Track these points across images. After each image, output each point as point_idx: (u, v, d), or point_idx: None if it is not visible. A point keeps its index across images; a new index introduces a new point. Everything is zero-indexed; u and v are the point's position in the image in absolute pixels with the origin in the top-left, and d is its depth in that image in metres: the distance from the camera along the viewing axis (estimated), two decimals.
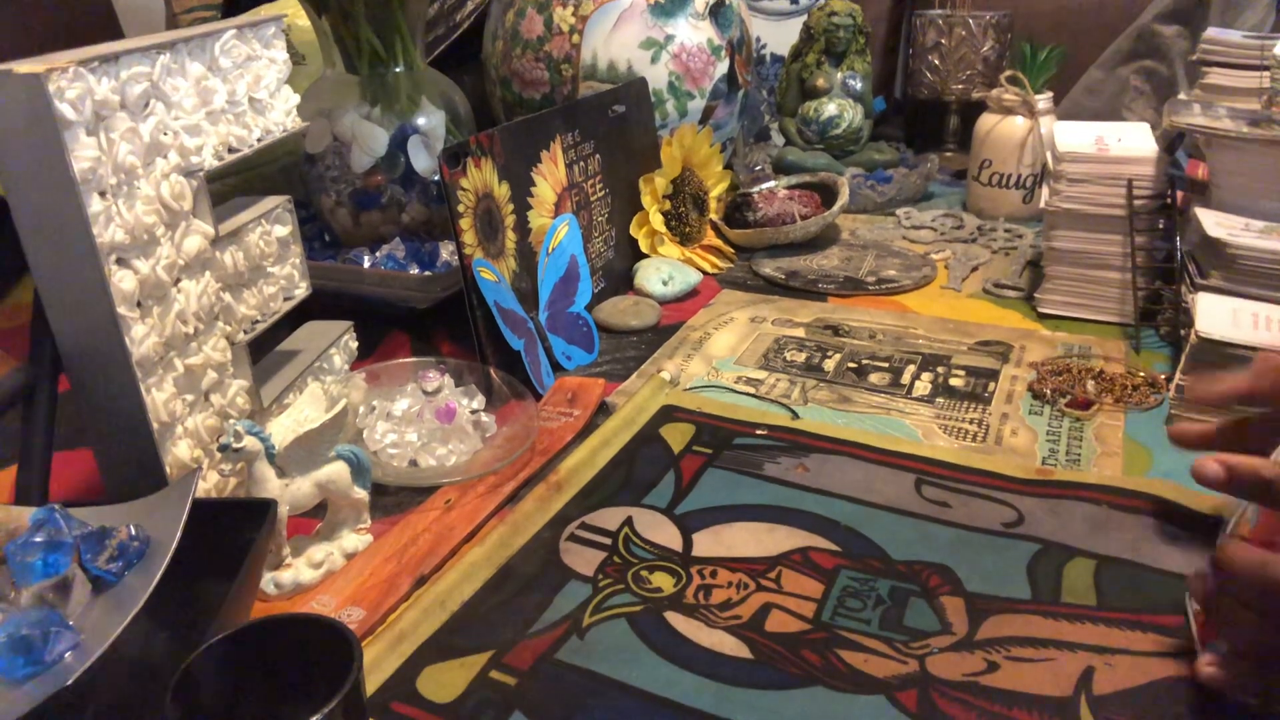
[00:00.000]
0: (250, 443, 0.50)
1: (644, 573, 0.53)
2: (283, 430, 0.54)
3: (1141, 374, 0.72)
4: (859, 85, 1.23)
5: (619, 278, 0.96)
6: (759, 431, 0.67)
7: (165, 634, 0.46)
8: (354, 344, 0.72)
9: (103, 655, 0.38)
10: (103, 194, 0.47)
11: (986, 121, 1.13)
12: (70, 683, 0.36)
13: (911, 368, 0.76)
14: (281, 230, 0.62)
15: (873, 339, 0.82)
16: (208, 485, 0.56)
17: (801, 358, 0.79)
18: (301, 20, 1.06)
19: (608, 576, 0.53)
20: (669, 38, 1.06)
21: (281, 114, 0.61)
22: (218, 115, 0.56)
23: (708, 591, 0.51)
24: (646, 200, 0.97)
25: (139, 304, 0.50)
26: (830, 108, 1.21)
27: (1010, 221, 1.12)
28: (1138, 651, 0.46)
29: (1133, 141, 0.83)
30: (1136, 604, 0.49)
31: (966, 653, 0.46)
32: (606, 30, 1.05)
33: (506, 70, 1.11)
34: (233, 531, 0.46)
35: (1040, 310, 0.87)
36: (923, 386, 0.73)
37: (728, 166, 1.18)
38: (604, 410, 0.71)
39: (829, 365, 0.77)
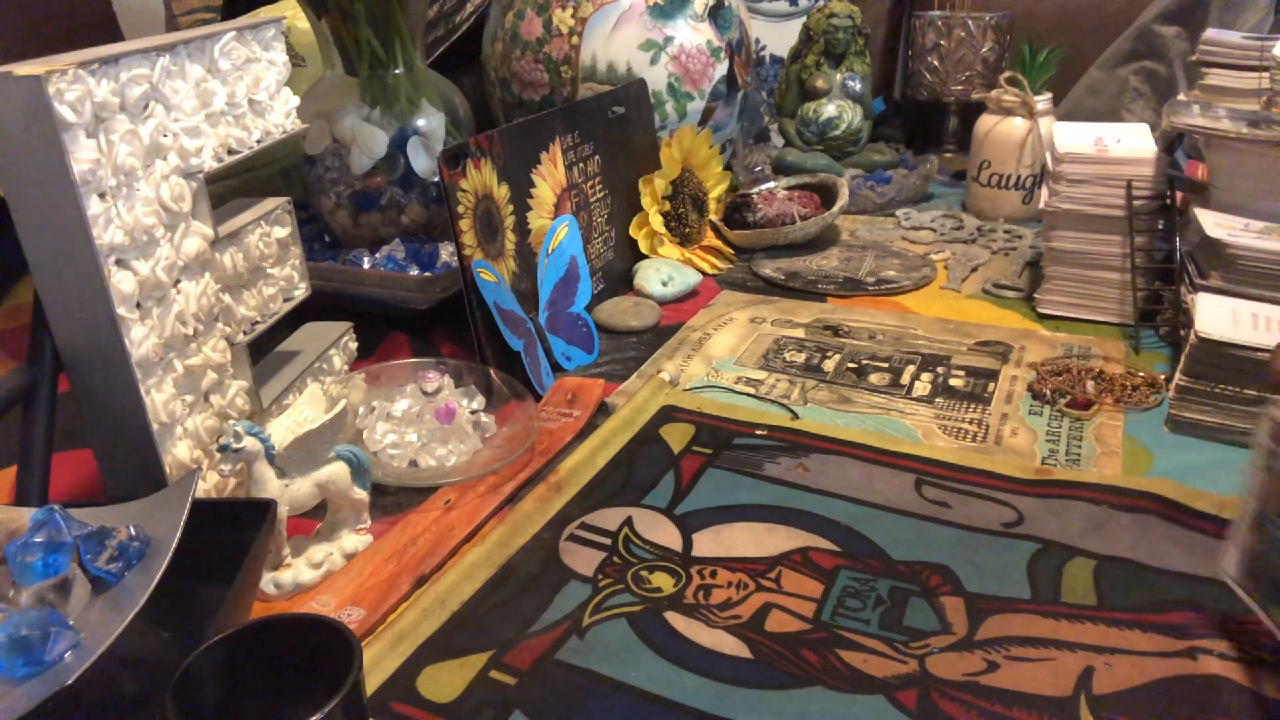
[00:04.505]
0: (250, 443, 0.50)
1: (644, 573, 0.53)
2: (282, 431, 0.54)
3: (1141, 374, 0.72)
4: (858, 86, 1.23)
5: (619, 278, 0.96)
6: (759, 432, 0.67)
7: (165, 634, 0.46)
8: (353, 345, 0.72)
9: (103, 655, 0.38)
10: (102, 195, 0.47)
11: (986, 122, 1.14)
12: (70, 683, 0.36)
13: (911, 368, 0.76)
14: (281, 231, 0.62)
15: (872, 339, 0.82)
16: (207, 485, 0.56)
17: (801, 358, 0.79)
18: (301, 22, 1.06)
19: (608, 576, 0.53)
20: (668, 39, 1.06)
21: (281, 116, 0.61)
22: (217, 117, 0.56)
23: (707, 591, 0.51)
24: (646, 201, 0.97)
25: (138, 305, 0.50)
26: (829, 109, 1.21)
27: (1010, 222, 1.12)
28: (1138, 651, 0.46)
29: (1132, 142, 0.83)
30: (1136, 604, 0.49)
31: (966, 653, 0.46)
32: (606, 32, 1.05)
33: (506, 72, 1.11)
34: (233, 531, 0.46)
35: (1040, 310, 0.87)
36: (922, 387, 0.73)
37: (727, 167, 1.18)
38: (604, 411, 0.71)
39: (829, 366, 0.77)
